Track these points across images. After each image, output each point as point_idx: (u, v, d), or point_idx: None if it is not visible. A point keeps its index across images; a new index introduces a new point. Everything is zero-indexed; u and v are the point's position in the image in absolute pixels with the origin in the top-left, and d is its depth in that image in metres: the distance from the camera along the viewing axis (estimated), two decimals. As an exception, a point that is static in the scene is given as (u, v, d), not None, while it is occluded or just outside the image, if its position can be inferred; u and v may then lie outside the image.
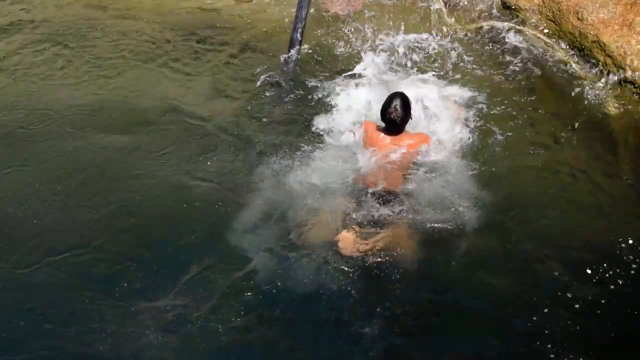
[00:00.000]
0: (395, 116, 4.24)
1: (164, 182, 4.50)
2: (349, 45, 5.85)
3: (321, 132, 4.81)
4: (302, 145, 4.67)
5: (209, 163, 4.66)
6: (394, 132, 4.34)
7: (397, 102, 4.25)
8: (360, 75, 5.33)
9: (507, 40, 5.77)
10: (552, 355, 3.42)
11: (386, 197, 4.19)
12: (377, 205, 4.14)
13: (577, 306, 3.61)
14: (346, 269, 3.85)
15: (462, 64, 5.53)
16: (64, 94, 5.42)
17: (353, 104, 5.04)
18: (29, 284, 3.82)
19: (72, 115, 5.13)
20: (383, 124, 4.40)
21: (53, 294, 3.76)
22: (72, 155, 4.75)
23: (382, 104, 4.36)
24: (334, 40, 5.97)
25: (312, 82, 5.42)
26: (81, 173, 4.59)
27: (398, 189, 4.25)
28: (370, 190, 4.22)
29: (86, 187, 4.47)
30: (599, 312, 3.59)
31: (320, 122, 4.90)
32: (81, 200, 4.38)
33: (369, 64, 5.42)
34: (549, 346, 3.46)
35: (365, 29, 5.84)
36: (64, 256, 3.96)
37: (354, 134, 4.57)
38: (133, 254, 3.99)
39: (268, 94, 5.36)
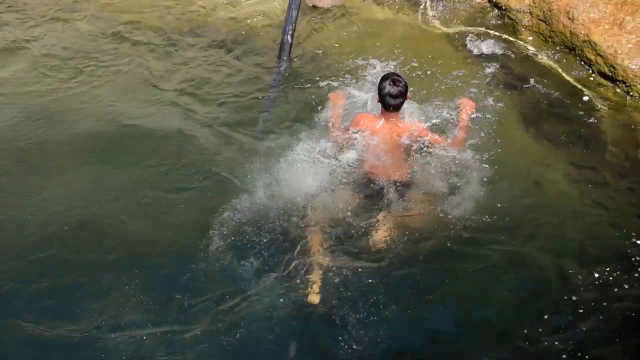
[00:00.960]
0: (393, 90, 4.24)
1: (153, 190, 4.42)
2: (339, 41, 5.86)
3: (317, 132, 4.75)
4: (300, 146, 4.60)
5: (200, 169, 4.59)
6: (394, 110, 4.32)
7: (394, 77, 4.29)
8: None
9: (493, 42, 5.78)
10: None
11: (388, 189, 4.21)
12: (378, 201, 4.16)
13: (580, 311, 3.60)
14: (344, 277, 3.81)
15: (448, 63, 5.53)
16: (43, 96, 5.36)
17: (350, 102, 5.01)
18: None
19: (53, 124, 5.01)
20: (377, 113, 4.42)
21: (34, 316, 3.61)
22: (60, 166, 4.61)
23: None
24: (325, 37, 5.97)
25: (306, 83, 5.41)
26: (65, 184, 4.46)
27: (402, 178, 4.27)
28: (375, 184, 4.24)
29: (67, 199, 4.33)
30: (601, 316, 3.59)
31: (317, 122, 4.86)
32: (62, 213, 4.24)
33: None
34: (553, 347, 3.45)
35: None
36: (42, 278, 3.80)
37: (344, 133, 4.54)
38: (119, 268, 3.86)
39: (261, 97, 5.32)
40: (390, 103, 4.28)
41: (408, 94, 4.35)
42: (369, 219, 4.11)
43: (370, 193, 4.24)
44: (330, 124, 4.60)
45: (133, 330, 3.51)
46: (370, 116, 4.50)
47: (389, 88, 4.25)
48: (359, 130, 4.41)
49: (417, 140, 4.37)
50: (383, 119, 4.38)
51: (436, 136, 4.44)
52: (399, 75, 4.34)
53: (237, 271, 3.82)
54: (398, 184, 4.26)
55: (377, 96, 4.35)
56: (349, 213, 4.12)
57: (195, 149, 4.75)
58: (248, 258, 3.88)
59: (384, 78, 4.31)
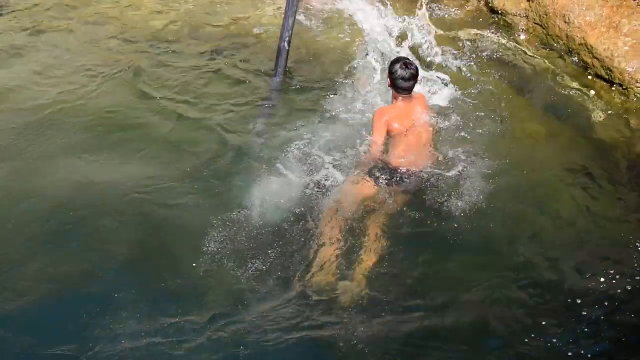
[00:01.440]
0: (406, 73, 4.26)
1: (153, 200, 4.38)
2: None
3: (317, 136, 4.77)
4: (299, 152, 4.62)
5: (199, 176, 4.57)
6: (406, 93, 4.34)
7: (405, 60, 4.32)
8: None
9: (490, 46, 5.79)
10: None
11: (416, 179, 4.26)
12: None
13: (584, 313, 3.60)
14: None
15: (444, 67, 5.54)
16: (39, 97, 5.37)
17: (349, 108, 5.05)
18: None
19: (50, 131, 4.99)
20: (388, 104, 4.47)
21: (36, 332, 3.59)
22: (53, 173, 4.57)
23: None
24: (321, 40, 5.99)
25: (303, 88, 5.43)
26: (59, 191, 4.41)
27: (428, 163, 4.33)
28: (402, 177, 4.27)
29: (62, 206, 4.30)
30: (603, 318, 3.58)
31: (315, 126, 4.90)
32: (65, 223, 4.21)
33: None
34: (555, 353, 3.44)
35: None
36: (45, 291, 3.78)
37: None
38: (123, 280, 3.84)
39: (259, 104, 5.32)
40: (404, 86, 4.28)
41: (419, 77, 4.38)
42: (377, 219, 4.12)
43: (396, 187, 4.25)
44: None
45: (131, 341, 3.49)
46: (387, 107, 4.49)
47: (401, 71, 4.25)
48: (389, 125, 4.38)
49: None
50: (400, 102, 4.37)
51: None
52: (409, 59, 4.35)
53: (239, 279, 3.81)
54: (422, 172, 4.28)
55: (388, 80, 4.35)
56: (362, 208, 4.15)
57: (193, 156, 4.75)
58: (250, 265, 3.87)
59: (395, 62, 4.32)
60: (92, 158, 4.72)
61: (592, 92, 5.24)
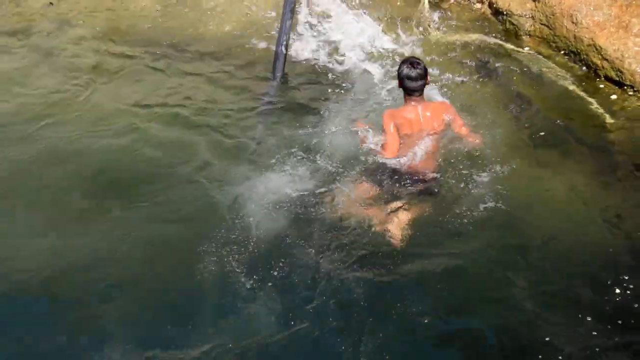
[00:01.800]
0: (412, 72, 4.25)
1: (149, 214, 4.33)
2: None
3: (315, 142, 4.72)
4: (299, 159, 4.57)
5: (196, 187, 4.52)
6: (416, 94, 4.33)
7: (412, 59, 4.34)
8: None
9: (495, 49, 5.69)
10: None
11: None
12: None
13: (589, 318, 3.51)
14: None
15: (449, 72, 5.44)
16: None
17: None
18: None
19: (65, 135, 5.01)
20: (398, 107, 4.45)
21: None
22: (47, 198, 4.52)
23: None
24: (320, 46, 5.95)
25: (302, 93, 5.39)
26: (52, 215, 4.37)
27: (435, 168, 4.31)
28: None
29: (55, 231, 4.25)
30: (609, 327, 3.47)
31: (313, 131, 4.85)
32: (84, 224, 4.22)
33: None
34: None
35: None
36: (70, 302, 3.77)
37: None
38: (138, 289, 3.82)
39: (257, 110, 5.26)
40: (410, 86, 4.29)
41: (428, 77, 4.36)
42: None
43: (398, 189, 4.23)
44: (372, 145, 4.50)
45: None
46: (396, 109, 4.47)
47: (407, 70, 4.28)
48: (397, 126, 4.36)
49: (444, 119, 4.40)
50: (410, 105, 4.35)
51: (461, 119, 4.47)
52: (417, 59, 4.38)
53: (239, 292, 3.76)
54: (426, 176, 4.25)
55: (397, 81, 4.40)
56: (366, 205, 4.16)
57: (187, 164, 4.70)
58: (248, 277, 3.81)
59: (402, 62, 4.36)
60: (83, 174, 4.70)
61: (602, 94, 5.09)
